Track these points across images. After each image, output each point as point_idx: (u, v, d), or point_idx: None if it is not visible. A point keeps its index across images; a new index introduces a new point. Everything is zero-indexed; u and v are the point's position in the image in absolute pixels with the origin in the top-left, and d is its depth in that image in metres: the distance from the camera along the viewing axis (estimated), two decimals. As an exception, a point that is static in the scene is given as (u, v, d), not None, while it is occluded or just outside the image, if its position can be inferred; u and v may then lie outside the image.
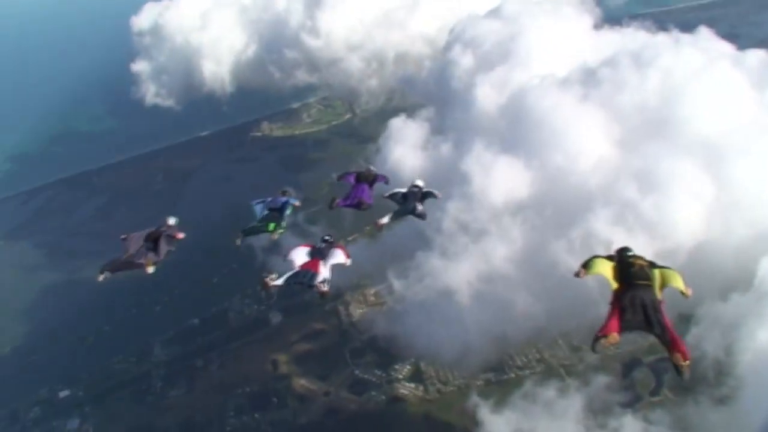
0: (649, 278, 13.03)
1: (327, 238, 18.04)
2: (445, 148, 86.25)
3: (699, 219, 61.35)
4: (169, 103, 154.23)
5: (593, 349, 12.93)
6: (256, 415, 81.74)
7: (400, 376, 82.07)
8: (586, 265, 13.88)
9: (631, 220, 62.09)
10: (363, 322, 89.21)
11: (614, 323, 12.69)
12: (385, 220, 20.24)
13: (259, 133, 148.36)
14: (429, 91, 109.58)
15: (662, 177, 62.72)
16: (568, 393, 70.69)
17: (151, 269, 17.20)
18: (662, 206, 61.56)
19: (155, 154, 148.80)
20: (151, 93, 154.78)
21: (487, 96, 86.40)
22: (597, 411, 66.68)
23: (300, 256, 17.32)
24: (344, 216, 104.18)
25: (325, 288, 16.31)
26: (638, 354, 75.44)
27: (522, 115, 77.78)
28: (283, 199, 20.16)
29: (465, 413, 73.16)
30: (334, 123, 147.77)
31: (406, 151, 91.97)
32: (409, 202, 20.20)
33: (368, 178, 21.41)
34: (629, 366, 75.21)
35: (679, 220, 61.00)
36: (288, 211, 19.92)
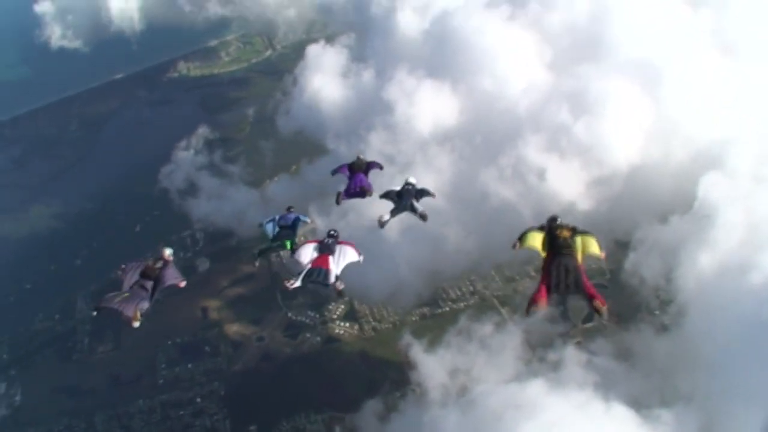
0: (571, 247, 14.11)
1: (333, 233, 17.72)
2: (367, 76, 79.98)
3: (635, 141, 56.43)
4: (76, 44, 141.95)
5: (527, 313, 14.06)
6: (189, 366, 76.16)
7: (334, 316, 77.70)
8: (521, 239, 15.01)
9: (563, 145, 56.84)
10: (293, 263, 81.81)
11: (543, 290, 13.77)
12: (387, 217, 19.75)
13: (175, 74, 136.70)
14: (349, 18, 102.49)
15: (595, 99, 57.60)
16: (505, 327, 66.05)
17: (136, 324, 15.22)
18: (596, 129, 56.46)
19: (69, 101, 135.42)
20: (56, 35, 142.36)
21: (410, 20, 79.78)
22: (535, 344, 62.34)
23: (307, 253, 17.16)
24: (265, 153, 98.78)
25: (341, 287, 16.46)
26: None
27: (446, 39, 71.35)
28: (293, 215, 19.68)
29: (401, 350, 69.51)
30: (254, 60, 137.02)
31: (325, 79, 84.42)
32: (405, 199, 19.83)
33: (361, 167, 21.11)
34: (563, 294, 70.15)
35: (614, 143, 56.00)
36: (299, 228, 19.58)
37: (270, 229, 19.49)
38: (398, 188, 20.31)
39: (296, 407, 67.90)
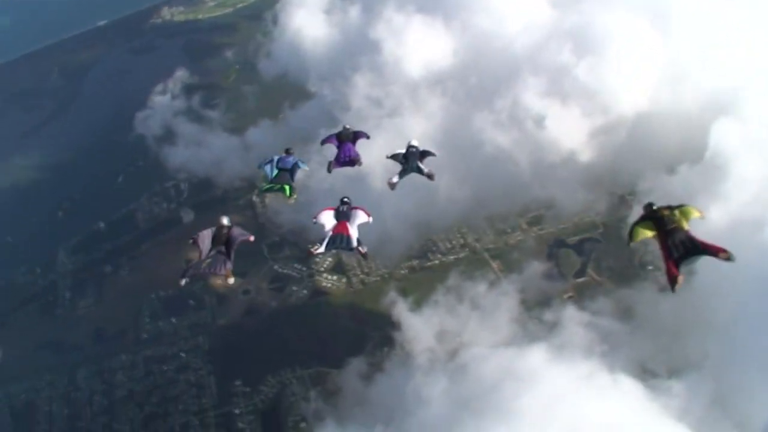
0: (675, 221, 14.47)
1: (345, 200, 18.05)
2: (353, 12, 72.25)
3: (643, 85, 49.23)
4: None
5: (673, 290, 14.08)
6: (173, 320, 72.27)
7: (322, 269, 72.91)
8: (631, 235, 15.15)
9: (565, 89, 49.96)
10: (280, 215, 76.26)
11: (672, 265, 14.04)
12: (396, 179, 20.06)
13: (159, 20, 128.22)
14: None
15: (600, 37, 50.33)
16: (498, 286, 60.36)
17: (231, 280, 16.39)
18: (600, 71, 49.30)
19: (50, 50, 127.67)
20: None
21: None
22: (531, 304, 56.45)
23: (328, 219, 17.41)
24: (247, 99, 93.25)
25: (364, 250, 17.05)
26: (562, 235, 66.69)
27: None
28: (291, 159, 19.33)
29: (388, 307, 64.83)
30: (240, 5, 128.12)
31: (307, 17, 76.27)
32: (411, 161, 19.98)
33: (348, 137, 20.94)
34: (554, 248, 66.34)
35: (620, 87, 48.90)
36: (297, 174, 19.32)
37: (269, 170, 19.30)
38: (403, 151, 20.29)
39: (282, 362, 64.13)
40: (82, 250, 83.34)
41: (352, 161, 20.74)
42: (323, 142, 21.46)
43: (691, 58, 49.71)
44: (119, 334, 72.17)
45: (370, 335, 63.63)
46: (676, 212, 14.74)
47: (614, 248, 61.73)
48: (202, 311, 72.08)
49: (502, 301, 57.83)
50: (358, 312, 67.47)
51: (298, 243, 73.71)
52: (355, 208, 17.80)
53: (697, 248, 13.88)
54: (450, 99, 57.83)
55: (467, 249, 69.27)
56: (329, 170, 20.89)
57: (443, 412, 41.31)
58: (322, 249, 16.94)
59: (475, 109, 54.78)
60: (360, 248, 16.93)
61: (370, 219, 17.58)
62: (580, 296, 58.29)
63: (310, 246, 17.03)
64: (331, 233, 17.11)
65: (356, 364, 59.15)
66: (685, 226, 14.53)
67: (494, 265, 66.12)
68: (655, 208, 15.28)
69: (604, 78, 50.07)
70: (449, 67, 59.04)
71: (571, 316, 51.36)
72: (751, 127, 46.23)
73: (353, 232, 17.16)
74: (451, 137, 56.11)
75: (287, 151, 19.77)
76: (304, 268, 73.10)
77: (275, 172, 19.19)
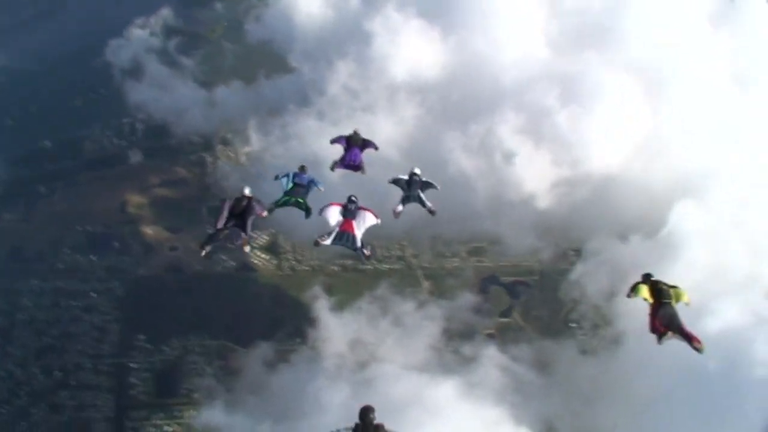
0: (670, 297, 14.97)
1: (353, 199, 17.84)
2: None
3: (619, 148, 47.33)
4: None
5: (659, 342, 14.57)
6: (93, 257, 67.55)
7: (255, 245, 68.46)
8: (634, 290, 15.49)
9: (542, 132, 47.74)
10: (227, 180, 72.37)
11: (659, 324, 14.63)
12: (400, 208, 20.01)
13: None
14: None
15: (589, 90, 48.25)
16: (426, 308, 57.82)
17: (248, 248, 17.84)
18: (581, 123, 47.09)
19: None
20: None
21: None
22: (453, 333, 53.94)
23: (334, 215, 17.49)
24: (225, 56, 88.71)
25: (368, 252, 17.41)
26: (498, 273, 64.48)
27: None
28: (306, 176, 19.49)
29: (310, 301, 62.27)
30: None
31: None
32: (413, 189, 20.08)
33: (357, 142, 21.16)
34: (487, 283, 64.02)
35: (596, 143, 46.87)
36: (311, 191, 19.44)
37: (285, 182, 19.41)
38: (406, 177, 20.20)
39: (191, 327, 60.94)
40: (21, 164, 78.79)
41: (356, 167, 20.84)
42: (332, 142, 21.48)
43: (674, 134, 48.34)
44: (36, 257, 68.05)
45: (285, 323, 60.55)
46: (672, 291, 15.11)
47: (545, 298, 60.01)
48: (124, 256, 67.91)
49: (425, 324, 55.16)
50: (280, 297, 64.36)
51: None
52: (363, 208, 17.63)
53: (678, 329, 14.37)
54: (426, 110, 55.67)
55: (403, 262, 66.67)
56: (332, 168, 20.99)
57: (339, 423, 38.02)
58: (329, 241, 16.89)
59: (449, 127, 52.58)
60: (365, 250, 17.13)
61: (379, 221, 17.56)
62: (502, 337, 56.18)
63: (317, 236, 16.86)
64: (337, 229, 17.09)
65: (264, 349, 56.04)
66: (675, 305, 14.98)
67: (425, 285, 63.72)
68: (654, 278, 15.55)
69: (582, 131, 48.35)
70: (434, 78, 56.95)
71: (490, 355, 49.04)
72: (712, 214, 45.00)
73: (359, 233, 17.15)
74: (417, 149, 53.66)
75: (302, 169, 19.74)
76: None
77: (290, 185, 19.25)
